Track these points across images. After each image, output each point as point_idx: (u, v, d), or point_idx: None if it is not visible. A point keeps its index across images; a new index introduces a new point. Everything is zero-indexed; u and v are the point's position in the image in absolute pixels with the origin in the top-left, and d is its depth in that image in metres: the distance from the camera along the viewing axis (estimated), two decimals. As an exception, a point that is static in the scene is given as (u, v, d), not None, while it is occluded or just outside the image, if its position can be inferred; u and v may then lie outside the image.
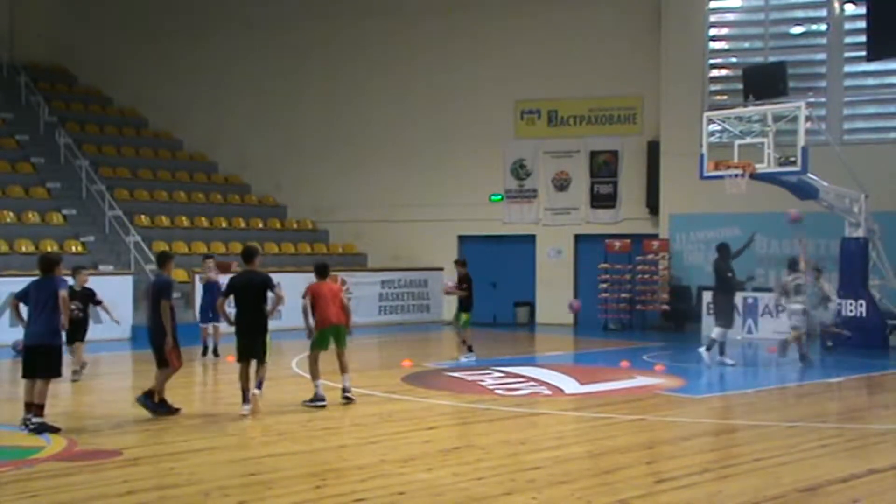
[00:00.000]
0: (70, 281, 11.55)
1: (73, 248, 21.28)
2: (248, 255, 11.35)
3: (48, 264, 10.18)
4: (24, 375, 10.02)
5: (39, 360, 9.90)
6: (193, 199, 25.78)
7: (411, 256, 25.48)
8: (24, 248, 20.57)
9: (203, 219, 25.08)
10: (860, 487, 7.81)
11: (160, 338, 10.79)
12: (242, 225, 25.62)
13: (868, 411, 12.47)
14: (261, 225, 26.03)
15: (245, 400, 10.93)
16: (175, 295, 20.70)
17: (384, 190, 25.79)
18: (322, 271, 11.92)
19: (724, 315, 16.08)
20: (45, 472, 8.14)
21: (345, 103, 26.35)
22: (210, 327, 16.53)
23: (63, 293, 9.99)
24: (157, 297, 10.81)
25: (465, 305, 16.52)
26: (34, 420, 9.80)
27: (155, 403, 10.81)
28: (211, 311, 16.01)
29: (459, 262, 17.19)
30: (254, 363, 11.06)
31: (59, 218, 22.45)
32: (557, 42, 24.55)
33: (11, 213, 21.71)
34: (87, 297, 14.01)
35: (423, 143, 25.67)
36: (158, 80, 28.22)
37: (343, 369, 11.82)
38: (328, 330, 11.69)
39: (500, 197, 25.31)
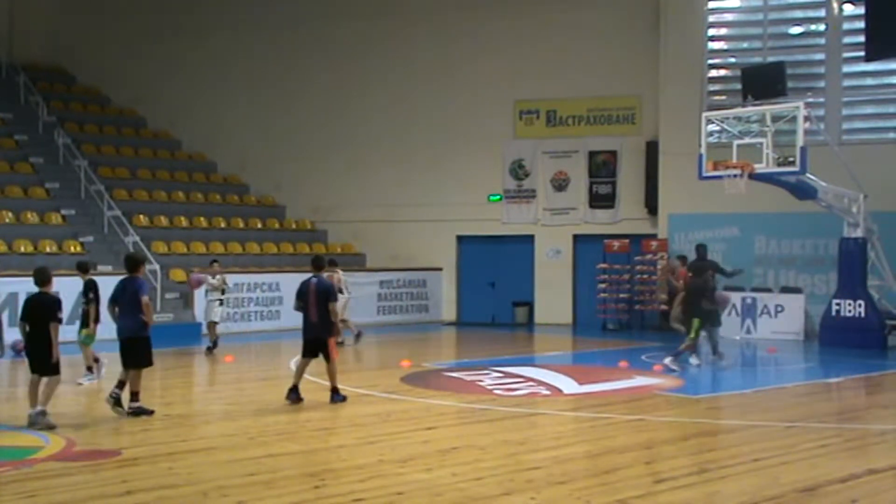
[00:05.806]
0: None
1: (72, 249, 21.25)
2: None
3: (133, 264, 11.08)
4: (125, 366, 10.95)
5: (130, 352, 10.89)
6: (192, 200, 25.75)
7: (410, 256, 25.47)
8: (22, 249, 20.54)
9: (202, 219, 25.05)
10: (859, 487, 7.82)
11: (327, 333, 11.79)
12: (241, 225, 25.59)
13: (867, 411, 12.49)
14: (260, 225, 26.00)
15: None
16: (174, 295, 21.09)
17: (383, 190, 25.78)
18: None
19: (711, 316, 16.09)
20: (43, 472, 8.14)
21: (344, 103, 26.33)
22: None
23: (145, 298, 10.79)
24: (325, 300, 11.78)
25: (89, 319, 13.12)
26: (132, 405, 10.74)
27: (342, 395, 11.78)
28: None
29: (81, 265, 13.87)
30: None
31: (57, 218, 22.42)
32: (557, 42, 24.53)
33: (10, 214, 21.66)
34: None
35: (422, 143, 25.66)
36: (158, 80, 28.21)
37: None
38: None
39: (498, 197, 25.30)
